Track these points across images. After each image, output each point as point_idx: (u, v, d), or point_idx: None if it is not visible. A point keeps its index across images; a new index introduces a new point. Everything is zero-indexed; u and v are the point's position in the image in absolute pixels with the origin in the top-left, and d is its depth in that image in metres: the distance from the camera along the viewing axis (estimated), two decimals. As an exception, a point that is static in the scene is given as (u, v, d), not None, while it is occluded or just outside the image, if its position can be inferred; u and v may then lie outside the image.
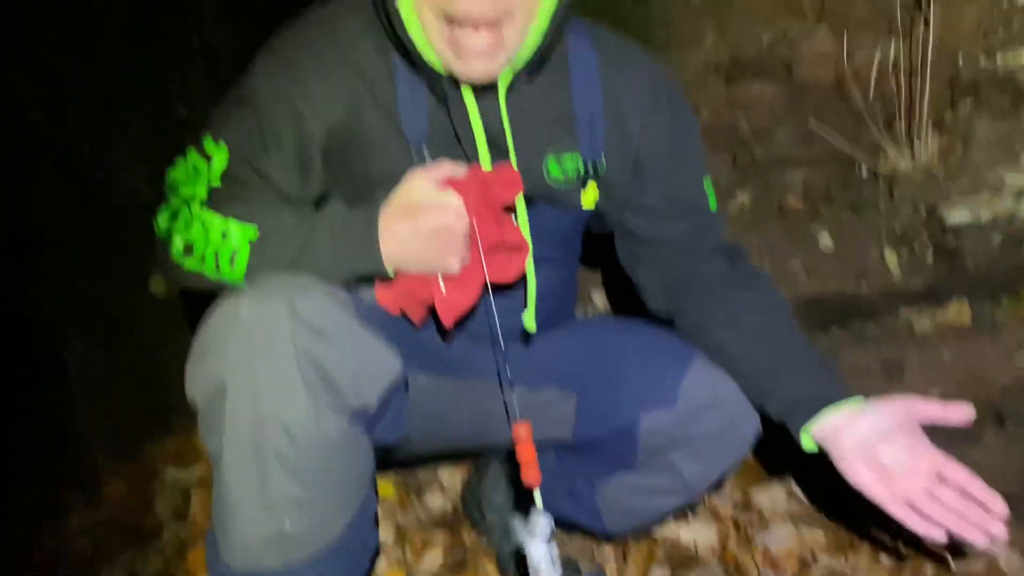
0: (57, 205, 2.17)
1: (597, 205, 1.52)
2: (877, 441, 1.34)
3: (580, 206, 1.49)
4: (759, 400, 1.47)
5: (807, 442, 1.39)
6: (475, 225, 1.29)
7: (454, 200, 1.26)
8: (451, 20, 1.19)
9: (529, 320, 1.45)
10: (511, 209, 1.38)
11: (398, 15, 1.24)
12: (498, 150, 1.39)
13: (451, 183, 1.29)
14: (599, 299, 2.43)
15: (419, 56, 1.28)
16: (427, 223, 1.25)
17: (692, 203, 1.56)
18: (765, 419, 1.50)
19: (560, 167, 1.45)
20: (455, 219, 1.26)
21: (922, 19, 2.38)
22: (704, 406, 1.46)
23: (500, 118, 1.36)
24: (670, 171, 1.53)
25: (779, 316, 1.52)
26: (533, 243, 1.42)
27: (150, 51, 2.38)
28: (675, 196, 1.54)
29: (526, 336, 1.52)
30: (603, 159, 1.47)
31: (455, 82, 1.32)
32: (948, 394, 1.79)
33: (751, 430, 1.51)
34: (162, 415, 2.35)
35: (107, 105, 2.28)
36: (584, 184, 1.48)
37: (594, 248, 2.43)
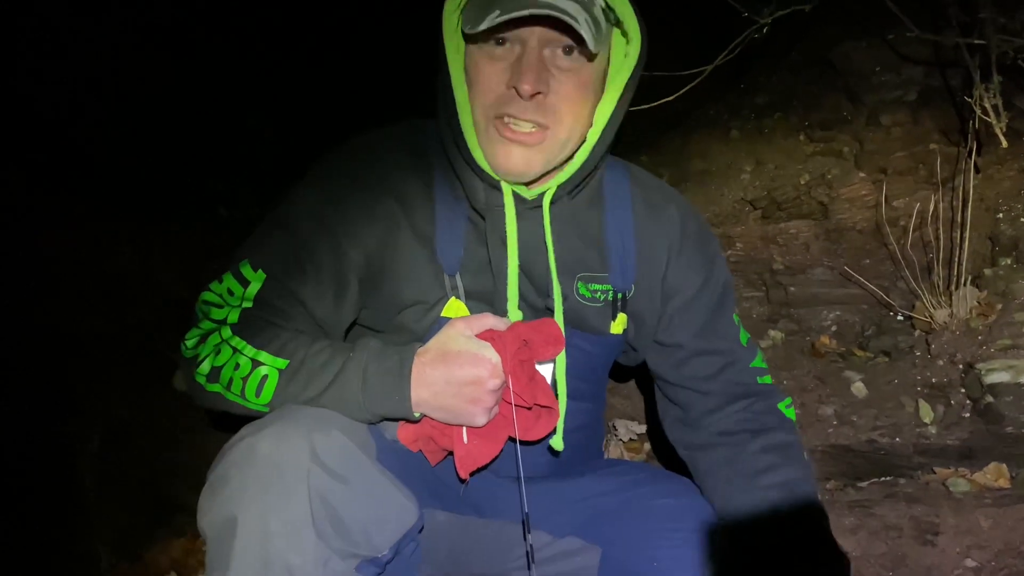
0: (86, 303, 2.21)
1: (627, 335, 1.52)
2: None
3: (608, 331, 1.48)
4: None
5: None
6: (510, 383, 1.26)
7: (492, 355, 1.24)
8: (500, 116, 1.24)
9: (557, 440, 1.41)
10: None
11: (459, 127, 1.28)
12: (529, 268, 1.39)
13: (491, 336, 1.26)
14: (623, 430, 2.38)
15: (472, 159, 1.30)
16: (461, 374, 1.23)
17: (717, 340, 1.53)
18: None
19: (588, 289, 1.45)
20: (490, 374, 1.23)
21: (962, 173, 2.40)
22: None
23: (541, 230, 1.37)
24: (695, 308, 1.52)
25: (775, 481, 1.41)
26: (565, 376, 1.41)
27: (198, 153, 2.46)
28: (700, 332, 1.52)
29: (553, 477, 1.49)
30: (632, 290, 1.48)
31: (499, 197, 1.33)
32: (984, 565, 1.71)
33: None
34: (170, 516, 2.30)
35: (148, 202, 2.35)
36: (614, 315, 1.47)
37: (620, 379, 2.42)
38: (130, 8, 3.67)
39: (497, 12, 1.14)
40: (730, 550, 1.37)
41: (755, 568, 1.34)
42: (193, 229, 2.89)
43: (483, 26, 1.15)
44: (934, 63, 2.90)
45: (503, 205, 1.34)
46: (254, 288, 1.32)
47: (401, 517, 1.21)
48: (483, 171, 1.31)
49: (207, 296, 1.36)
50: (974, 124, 2.27)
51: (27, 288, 2.51)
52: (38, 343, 2.40)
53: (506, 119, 1.25)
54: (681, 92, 2.63)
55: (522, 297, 1.38)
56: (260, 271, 1.32)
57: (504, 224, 1.34)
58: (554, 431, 1.39)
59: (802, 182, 2.89)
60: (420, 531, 1.30)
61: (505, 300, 1.37)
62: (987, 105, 2.16)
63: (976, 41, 2.27)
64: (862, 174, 2.81)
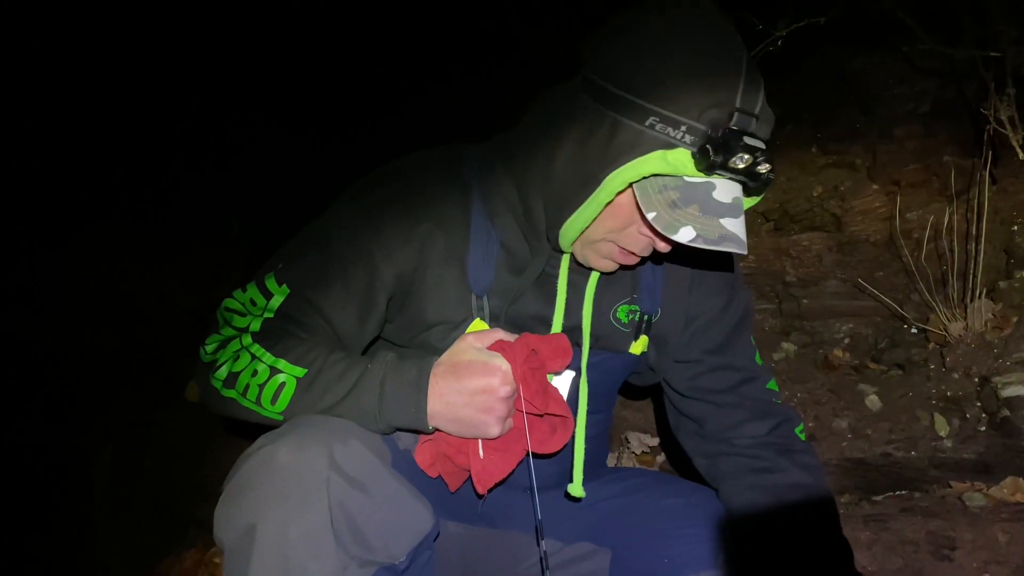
0: (97, 318, 2.22)
1: (647, 356, 1.53)
2: None
3: (627, 350, 1.50)
4: None
5: None
6: (521, 392, 1.26)
7: (502, 363, 1.25)
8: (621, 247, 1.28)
9: (577, 487, 1.42)
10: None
11: (564, 225, 1.27)
12: (568, 300, 1.42)
13: (501, 347, 1.27)
14: (636, 443, 2.38)
15: (560, 248, 1.33)
16: (472, 384, 1.23)
17: (735, 357, 1.54)
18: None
19: (624, 312, 1.48)
20: (501, 382, 1.24)
21: (976, 185, 2.39)
22: None
23: (585, 282, 1.41)
24: (715, 328, 1.53)
25: (799, 508, 1.42)
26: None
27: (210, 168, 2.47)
28: (718, 349, 1.53)
29: (562, 486, 1.49)
30: (659, 313, 1.50)
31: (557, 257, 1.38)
32: (1003, 580, 1.69)
33: None
34: (181, 530, 2.30)
35: (160, 217, 2.36)
36: (636, 335, 1.49)
37: (632, 392, 2.41)
38: (145, 24, 3.70)
39: (694, 234, 1.14)
40: (741, 547, 1.38)
41: (767, 564, 1.35)
42: (205, 243, 2.89)
43: (677, 238, 1.14)
44: (948, 75, 2.90)
45: (559, 262, 1.39)
46: (276, 301, 1.33)
47: (418, 524, 1.21)
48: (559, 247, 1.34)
49: (230, 303, 1.37)
50: (989, 136, 2.26)
51: (38, 304, 2.52)
52: (50, 358, 2.41)
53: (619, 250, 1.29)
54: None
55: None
56: (284, 286, 1.33)
57: (550, 269, 1.39)
58: (567, 445, 1.39)
59: (815, 194, 2.88)
60: (435, 539, 1.30)
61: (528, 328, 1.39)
62: (1003, 117, 2.15)
63: (992, 54, 2.27)
64: (875, 186, 2.80)
